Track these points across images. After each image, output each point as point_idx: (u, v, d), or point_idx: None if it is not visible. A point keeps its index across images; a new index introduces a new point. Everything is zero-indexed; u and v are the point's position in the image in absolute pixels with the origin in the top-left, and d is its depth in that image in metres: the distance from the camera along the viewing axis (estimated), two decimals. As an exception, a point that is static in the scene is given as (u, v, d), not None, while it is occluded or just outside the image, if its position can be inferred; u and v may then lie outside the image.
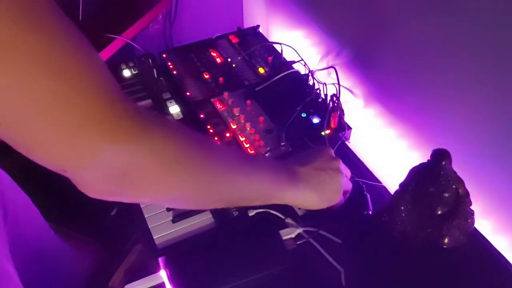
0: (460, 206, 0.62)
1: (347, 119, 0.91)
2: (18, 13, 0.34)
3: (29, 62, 0.35)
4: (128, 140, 0.42)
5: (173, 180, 0.50)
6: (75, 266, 1.00)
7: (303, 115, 0.91)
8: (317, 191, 0.67)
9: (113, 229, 1.12)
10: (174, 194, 0.53)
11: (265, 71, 1.02)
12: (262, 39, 1.12)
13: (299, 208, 0.76)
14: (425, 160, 0.63)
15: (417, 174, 0.64)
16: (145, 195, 0.55)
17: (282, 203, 0.67)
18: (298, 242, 0.71)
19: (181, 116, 0.93)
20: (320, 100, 0.93)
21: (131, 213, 0.78)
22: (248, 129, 0.88)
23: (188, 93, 0.96)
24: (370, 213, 0.76)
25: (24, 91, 0.36)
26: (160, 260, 0.70)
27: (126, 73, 1.03)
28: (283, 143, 0.85)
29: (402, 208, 0.64)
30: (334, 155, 0.72)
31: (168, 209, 0.76)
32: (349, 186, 0.74)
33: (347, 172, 0.74)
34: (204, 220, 0.75)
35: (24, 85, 0.36)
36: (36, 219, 0.87)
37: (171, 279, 0.67)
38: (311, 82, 0.97)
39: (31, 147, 0.41)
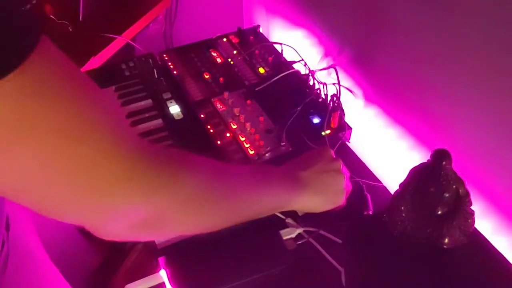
0: (460, 206, 0.62)
1: (347, 119, 0.91)
2: (33, 89, 0.32)
3: (49, 134, 0.33)
4: (156, 192, 0.41)
5: (197, 218, 0.50)
6: (84, 261, 1.00)
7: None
8: (322, 194, 0.67)
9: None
10: (196, 228, 0.53)
11: (266, 71, 1.02)
12: (262, 39, 1.12)
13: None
14: (425, 160, 0.63)
15: (417, 174, 0.64)
16: (167, 235, 0.54)
17: (289, 209, 0.68)
18: (298, 242, 0.71)
19: (181, 116, 0.93)
20: (320, 100, 0.93)
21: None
22: (248, 129, 0.88)
23: (189, 95, 0.96)
24: (370, 213, 0.76)
25: (47, 161, 0.34)
26: (160, 260, 0.69)
27: (126, 73, 1.03)
28: (283, 143, 0.85)
29: (402, 208, 0.64)
30: (334, 156, 0.72)
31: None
32: (348, 186, 0.74)
33: (346, 172, 0.74)
34: (204, 220, 0.75)
35: (46, 156, 0.34)
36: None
37: (171, 279, 0.67)
38: (311, 82, 0.97)
39: (52, 210, 0.38)
